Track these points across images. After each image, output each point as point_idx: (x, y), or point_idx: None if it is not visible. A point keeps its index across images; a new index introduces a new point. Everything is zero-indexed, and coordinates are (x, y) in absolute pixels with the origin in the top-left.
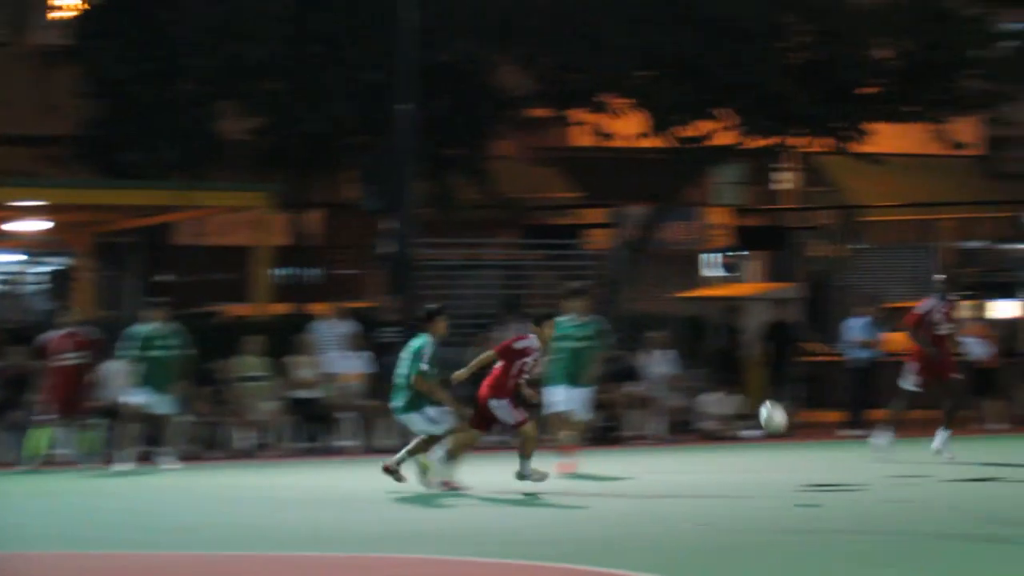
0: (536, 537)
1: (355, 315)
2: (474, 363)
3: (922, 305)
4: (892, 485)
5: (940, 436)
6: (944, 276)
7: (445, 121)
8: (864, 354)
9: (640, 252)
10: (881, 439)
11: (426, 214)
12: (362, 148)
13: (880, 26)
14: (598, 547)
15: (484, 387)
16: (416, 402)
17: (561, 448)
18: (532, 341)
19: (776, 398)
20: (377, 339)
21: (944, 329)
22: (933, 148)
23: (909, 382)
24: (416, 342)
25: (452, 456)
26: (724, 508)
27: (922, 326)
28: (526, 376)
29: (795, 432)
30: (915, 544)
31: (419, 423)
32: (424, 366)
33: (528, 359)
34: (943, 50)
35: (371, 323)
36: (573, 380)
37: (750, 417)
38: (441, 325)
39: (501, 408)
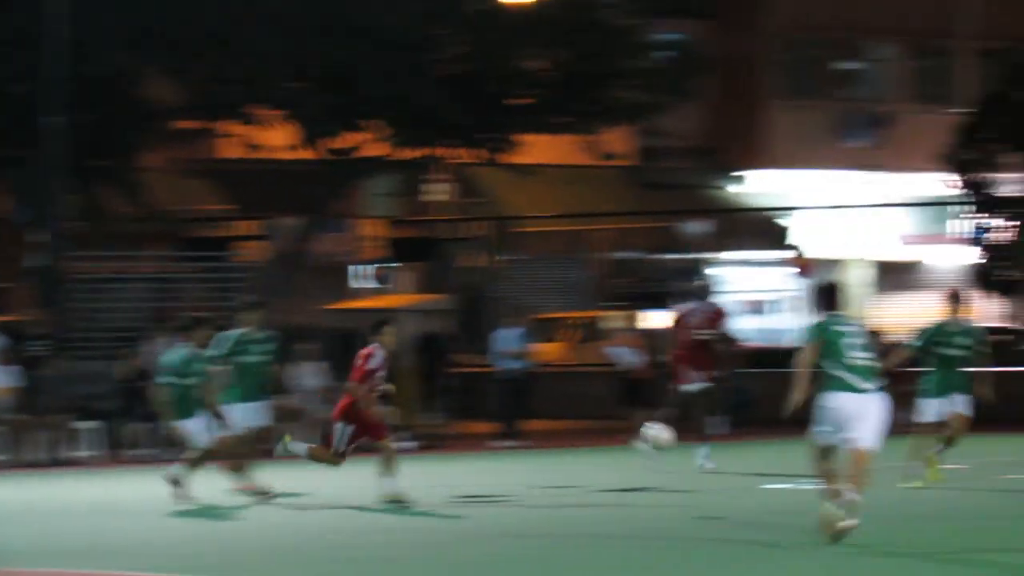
0: (170, 550)
1: (4, 329)
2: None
3: (682, 309)
4: (542, 495)
5: (703, 450)
6: (702, 282)
7: (94, 133)
8: (516, 365)
9: (292, 264)
10: (651, 440)
11: (77, 227)
12: (11, 161)
13: (531, 37)
14: (215, 558)
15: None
16: None
17: (230, 465)
18: (378, 353)
19: (429, 410)
20: (26, 353)
21: (703, 335)
22: (585, 159)
23: (685, 384)
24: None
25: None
26: (376, 519)
27: (680, 329)
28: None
29: (447, 443)
30: (554, 552)
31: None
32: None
33: (379, 372)
34: (594, 61)
35: (21, 337)
36: (251, 395)
37: (403, 429)
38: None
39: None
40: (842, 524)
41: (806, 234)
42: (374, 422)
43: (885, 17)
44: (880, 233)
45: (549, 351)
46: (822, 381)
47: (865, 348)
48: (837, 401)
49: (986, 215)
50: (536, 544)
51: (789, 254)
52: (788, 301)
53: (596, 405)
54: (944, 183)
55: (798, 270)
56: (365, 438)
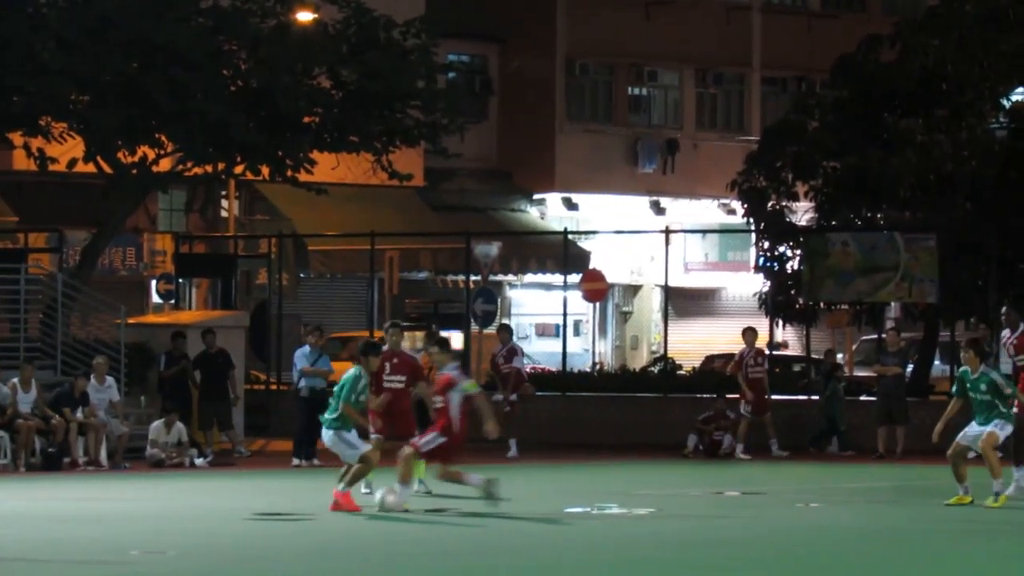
0: None
1: None
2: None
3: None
4: (341, 515)
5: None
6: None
7: None
8: (310, 383)
9: (83, 278)
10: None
11: None
12: None
13: (321, 55)
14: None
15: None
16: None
17: None
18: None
19: (222, 427)
20: None
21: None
22: (376, 179)
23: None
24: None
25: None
26: (172, 534)
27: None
28: None
29: (240, 461)
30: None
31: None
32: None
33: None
34: (381, 80)
35: None
36: None
37: (197, 445)
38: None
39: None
40: None
41: (600, 258)
42: None
43: (677, 44)
44: (671, 259)
45: (342, 369)
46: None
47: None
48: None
49: (775, 243)
50: (336, 565)
51: (582, 278)
52: (582, 325)
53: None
54: (734, 210)
55: (592, 294)
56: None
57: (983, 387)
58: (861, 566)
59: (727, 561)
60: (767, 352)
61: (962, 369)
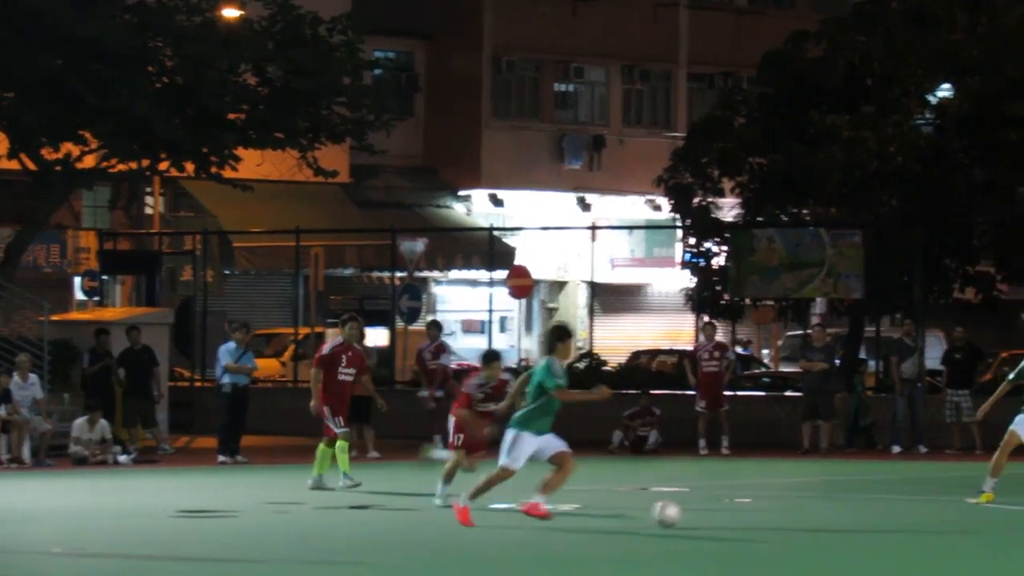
0: None
1: None
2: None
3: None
4: (268, 511)
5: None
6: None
7: None
8: (234, 380)
9: (6, 275)
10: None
11: None
12: None
13: (247, 51)
14: None
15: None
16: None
17: None
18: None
19: (146, 424)
20: None
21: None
22: (301, 175)
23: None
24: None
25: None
26: (96, 532)
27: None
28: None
29: (164, 458)
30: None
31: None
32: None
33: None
34: (309, 77)
35: None
36: None
37: (121, 442)
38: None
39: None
40: None
41: (525, 254)
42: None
43: (604, 41)
44: (597, 255)
45: (267, 367)
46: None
47: None
48: None
49: (701, 239)
50: (263, 559)
51: (510, 274)
52: (507, 322)
53: (311, 422)
54: (660, 206)
55: (518, 290)
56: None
57: None
58: (783, 561)
59: (650, 557)
60: (735, 349)
61: None
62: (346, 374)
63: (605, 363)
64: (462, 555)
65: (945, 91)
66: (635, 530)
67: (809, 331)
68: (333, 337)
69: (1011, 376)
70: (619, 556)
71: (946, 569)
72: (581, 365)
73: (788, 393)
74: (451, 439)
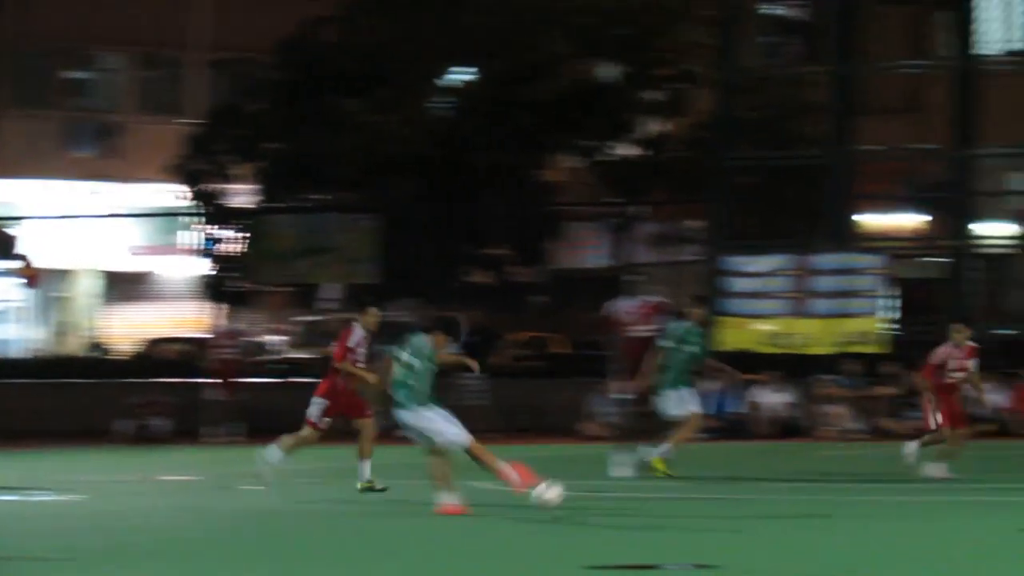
0: None
1: None
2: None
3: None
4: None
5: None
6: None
7: None
8: None
9: None
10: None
11: None
12: None
13: None
14: None
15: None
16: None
17: None
18: (358, 331)
19: None
20: None
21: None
22: None
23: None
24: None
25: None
26: None
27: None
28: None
29: None
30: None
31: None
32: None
33: (360, 350)
34: None
35: None
36: None
37: None
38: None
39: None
40: None
41: (34, 244)
42: (354, 400)
43: (116, 27)
44: (109, 243)
45: None
46: None
47: None
48: None
49: (216, 226)
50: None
51: (16, 264)
52: (14, 312)
53: None
54: (174, 194)
55: (25, 280)
56: (342, 415)
57: None
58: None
59: (157, 546)
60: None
61: None
62: None
63: (108, 351)
64: None
65: (468, 74)
66: (141, 521)
67: (323, 317)
68: None
69: None
70: (125, 548)
71: None
72: (91, 354)
73: (303, 379)
74: None
